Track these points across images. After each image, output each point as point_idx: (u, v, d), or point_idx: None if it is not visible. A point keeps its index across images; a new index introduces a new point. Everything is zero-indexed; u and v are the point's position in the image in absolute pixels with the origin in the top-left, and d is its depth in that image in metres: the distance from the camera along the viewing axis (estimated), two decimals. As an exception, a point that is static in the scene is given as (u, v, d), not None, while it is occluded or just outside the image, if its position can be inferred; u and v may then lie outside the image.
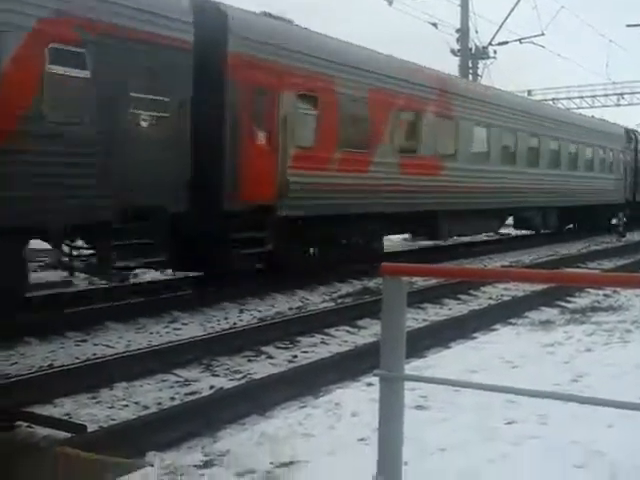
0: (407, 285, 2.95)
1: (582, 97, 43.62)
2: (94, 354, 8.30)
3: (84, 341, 9.03)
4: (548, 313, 10.59)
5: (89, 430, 5.62)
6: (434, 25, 27.61)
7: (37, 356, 8.23)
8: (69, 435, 5.44)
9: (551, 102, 36.77)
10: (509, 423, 5.00)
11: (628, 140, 30.79)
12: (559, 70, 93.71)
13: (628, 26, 23.02)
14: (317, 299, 12.53)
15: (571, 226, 28.66)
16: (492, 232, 24.40)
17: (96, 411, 6.35)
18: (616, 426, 4.61)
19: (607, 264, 18.34)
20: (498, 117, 19.82)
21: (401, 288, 2.90)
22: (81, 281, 12.66)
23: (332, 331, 9.78)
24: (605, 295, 11.71)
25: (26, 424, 5.80)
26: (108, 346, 8.78)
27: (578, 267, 17.58)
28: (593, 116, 31.95)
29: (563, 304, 11.58)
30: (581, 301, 11.60)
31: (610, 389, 5.46)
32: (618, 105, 43.41)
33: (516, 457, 4.36)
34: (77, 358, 8.07)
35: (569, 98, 43.33)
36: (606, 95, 43.19)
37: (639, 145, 32.19)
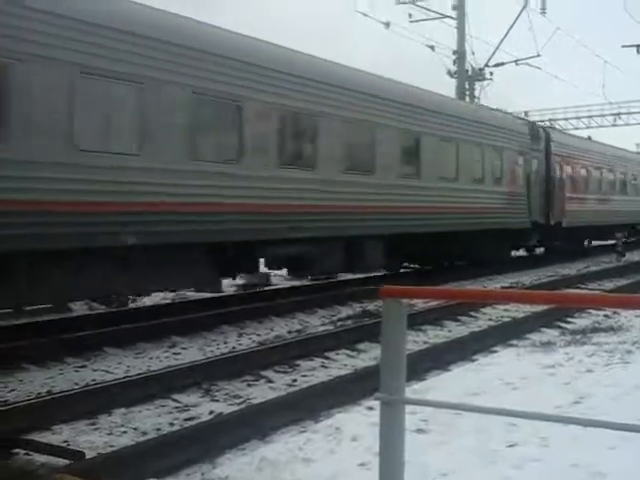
0: (407, 307, 2.93)
1: (579, 117, 43.87)
2: (93, 380, 8.26)
3: (83, 367, 9.00)
4: (548, 334, 10.55)
5: (87, 457, 5.59)
6: (431, 48, 27.81)
7: (35, 382, 8.20)
8: (67, 462, 5.41)
9: (548, 123, 36.89)
10: (510, 446, 4.96)
11: (533, 138, 22.60)
12: (556, 91, 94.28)
13: (623, 47, 23.18)
14: (316, 322, 12.50)
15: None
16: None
17: (94, 437, 6.29)
18: (618, 448, 4.58)
19: (608, 284, 18.31)
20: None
21: (401, 310, 2.89)
22: (79, 306, 12.66)
23: (332, 355, 9.74)
24: (605, 316, 11.69)
25: (24, 451, 5.78)
26: (107, 371, 8.74)
27: (579, 288, 17.55)
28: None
29: (563, 325, 11.54)
30: (581, 322, 11.57)
31: (612, 410, 5.45)
32: (615, 125, 43.63)
33: (518, 480, 4.32)
34: (76, 384, 8.03)
35: (566, 119, 43.57)
36: (603, 115, 43.42)
37: (551, 145, 23.87)
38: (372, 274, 17.86)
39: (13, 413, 6.53)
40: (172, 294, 14.66)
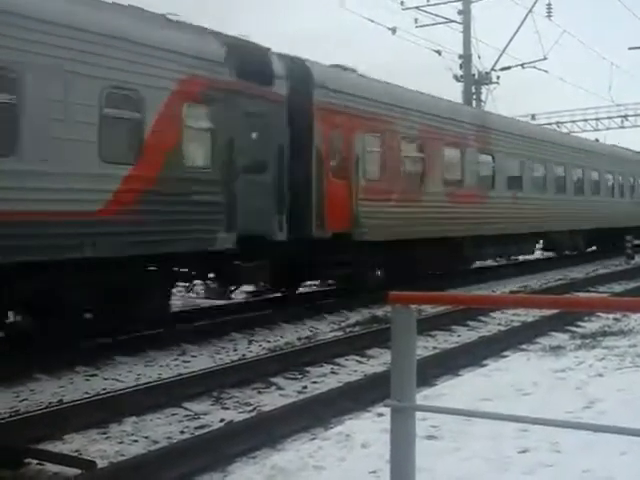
0: (416, 313, 2.91)
1: (586, 120, 43.73)
2: (104, 389, 8.27)
3: (94, 376, 9.01)
4: (558, 338, 10.53)
5: (99, 466, 5.60)
6: (438, 52, 27.81)
7: (46, 392, 8.21)
8: (79, 471, 5.43)
9: (555, 126, 36.82)
10: (522, 452, 4.95)
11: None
12: (563, 94, 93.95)
13: (630, 49, 23.11)
14: (326, 328, 12.50)
15: None
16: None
17: (106, 446, 6.31)
18: (629, 453, 4.56)
19: (617, 287, 18.23)
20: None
21: (410, 316, 2.88)
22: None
23: (342, 361, 9.73)
24: (615, 319, 11.64)
25: (36, 461, 5.79)
26: (117, 380, 8.76)
27: (588, 291, 17.49)
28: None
29: (573, 329, 11.52)
30: (591, 325, 11.54)
31: (622, 415, 5.42)
32: (622, 127, 43.48)
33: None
34: (87, 393, 8.04)
35: (573, 121, 43.44)
36: (610, 117, 43.28)
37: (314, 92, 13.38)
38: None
39: (25, 423, 6.55)
40: (180, 302, 14.65)
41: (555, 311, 11.34)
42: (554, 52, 47.36)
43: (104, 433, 6.67)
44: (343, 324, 12.85)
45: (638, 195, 31.38)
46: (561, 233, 24.14)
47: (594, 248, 29.12)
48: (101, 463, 5.74)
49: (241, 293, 15.63)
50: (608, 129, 42.32)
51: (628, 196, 30.32)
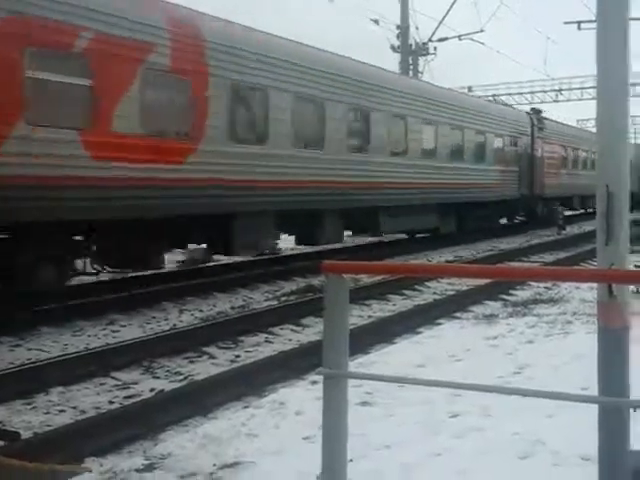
0: (349, 282, 2.93)
1: (521, 93, 44.40)
2: (28, 359, 8.03)
3: (17, 346, 8.74)
4: (491, 307, 10.68)
5: (23, 437, 5.43)
6: (375, 22, 27.71)
7: (-32, 362, 7.93)
8: (2, 443, 5.26)
9: (491, 98, 37.27)
10: (453, 416, 4.98)
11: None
12: (499, 67, 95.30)
13: (565, 23, 23.42)
14: (260, 297, 12.41)
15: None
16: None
17: (31, 417, 6.13)
18: (555, 416, 4.63)
19: (548, 257, 18.65)
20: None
21: (343, 286, 2.88)
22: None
23: (276, 330, 9.68)
24: (546, 288, 11.88)
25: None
26: (43, 350, 8.51)
27: (521, 261, 17.84)
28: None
29: (506, 297, 11.71)
30: (523, 294, 11.75)
31: (551, 379, 5.52)
32: (556, 101, 44.33)
33: (461, 450, 4.33)
34: (11, 364, 7.79)
35: (509, 94, 44.03)
36: (544, 91, 44.05)
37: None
38: (317, 249, 17.85)
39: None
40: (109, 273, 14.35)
41: (488, 280, 11.50)
42: (491, 25, 47.89)
43: (29, 404, 6.48)
44: (278, 293, 12.78)
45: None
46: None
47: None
48: (25, 434, 5.57)
49: (170, 262, 15.39)
50: (542, 102, 43.04)
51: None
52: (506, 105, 29.74)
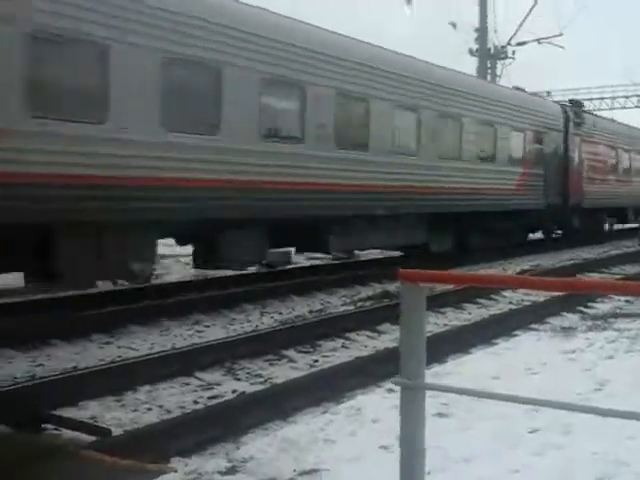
0: (426, 291, 2.88)
1: (602, 98, 43.27)
2: (118, 356, 8.39)
3: (108, 343, 9.13)
4: (569, 319, 10.54)
5: (113, 434, 5.68)
6: (453, 25, 27.56)
7: (62, 358, 8.33)
8: (94, 438, 5.52)
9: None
10: (532, 432, 5.00)
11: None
12: (579, 71, 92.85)
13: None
14: (337, 302, 12.57)
15: None
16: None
17: (120, 414, 6.41)
18: (636, 438, 4.60)
19: (630, 269, 18.18)
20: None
21: (420, 295, 2.83)
22: (104, 283, 12.79)
23: (353, 335, 9.81)
24: (627, 301, 11.64)
25: (53, 427, 5.89)
26: (131, 348, 8.87)
27: (601, 273, 17.43)
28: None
29: (584, 310, 11.52)
30: (603, 307, 11.54)
31: (632, 398, 5.46)
32: (638, 107, 43.05)
33: (539, 467, 4.36)
34: (101, 360, 8.16)
35: (590, 99, 42.97)
36: (626, 97, 42.84)
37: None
38: (391, 254, 17.88)
39: (41, 388, 6.66)
40: (192, 271, 14.77)
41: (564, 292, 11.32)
42: (571, 28, 46.77)
43: (119, 401, 6.77)
44: (355, 298, 12.91)
45: None
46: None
47: None
48: (116, 431, 5.83)
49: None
50: (624, 108, 41.89)
51: None
52: (534, 95, 23.94)
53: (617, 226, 27.08)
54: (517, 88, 21.98)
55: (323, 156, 12.75)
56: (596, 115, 27.22)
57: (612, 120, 29.08)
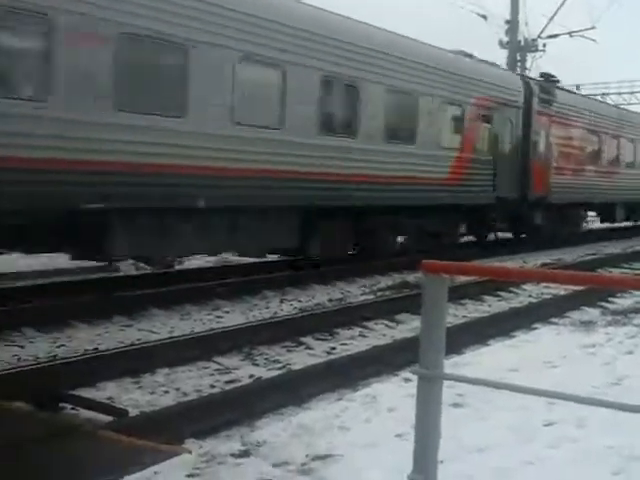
0: (448, 282, 2.88)
1: (633, 92, 42.70)
2: (138, 339, 8.46)
3: (129, 326, 9.22)
4: (589, 313, 10.47)
5: (130, 415, 5.75)
6: (484, 17, 27.34)
7: (82, 339, 8.43)
8: (111, 419, 5.59)
9: (600, 97, 35.98)
10: (547, 425, 4.98)
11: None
12: (610, 65, 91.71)
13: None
14: (356, 291, 12.58)
15: None
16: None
17: (138, 396, 6.48)
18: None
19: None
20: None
21: (442, 286, 2.85)
22: (127, 266, 12.91)
23: (371, 324, 9.82)
24: (648, 297, 11.52)
25: (70, 406, 5.97)
26: (152, 332, 8.95)
27: (623, 268, 17.26)
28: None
29: (605, 304, 11.45)
30: (623, 302, 11.44)
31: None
32: (670, 102, 42.37)
33: (553, 460, 4.35)
34: (121, 342, 8.24)
35: (619, 93, 42.45)
36: (658, 91, 42.19)
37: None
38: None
39: (61, 368, 6.74)
40: (215, 257, 14.85)
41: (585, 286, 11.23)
42: (604, 21, 46.16)
43: (136, 383, 6.84)
44: (374, 288, 12.91)
45: None
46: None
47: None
48: (132, 412, 5.89)
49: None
50: (656, 102, 41.23)
51: None
52: (483, 62, 18.10)
53: (601, 225, 23.72)
54: (462, 52, 17.23)
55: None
56: (577, 93, 23.40)
57: (600, 101, 25.64)
